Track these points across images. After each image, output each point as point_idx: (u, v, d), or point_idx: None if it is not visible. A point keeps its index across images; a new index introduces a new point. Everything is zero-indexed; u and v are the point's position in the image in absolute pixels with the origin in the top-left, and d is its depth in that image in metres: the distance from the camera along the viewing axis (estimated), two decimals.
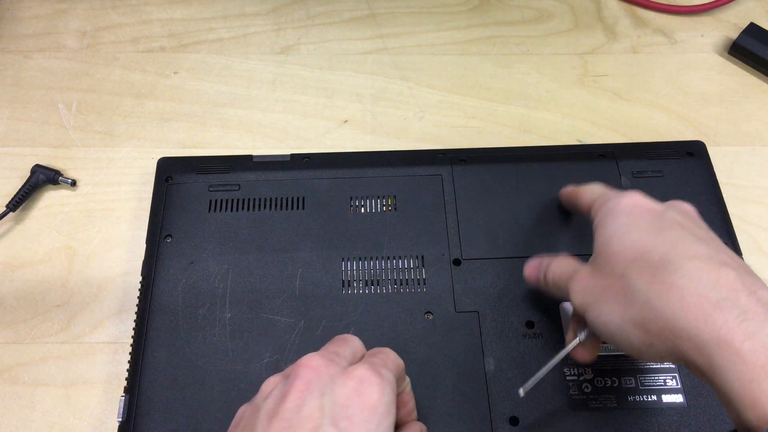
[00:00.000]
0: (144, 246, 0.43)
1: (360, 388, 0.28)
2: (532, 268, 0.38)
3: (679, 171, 0.45)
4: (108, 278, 0.45)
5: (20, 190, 0.47)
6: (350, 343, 0.32)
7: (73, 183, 0.48)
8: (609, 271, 0.32)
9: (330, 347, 0.31)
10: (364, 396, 0.28)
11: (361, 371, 0.29)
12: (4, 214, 0.46)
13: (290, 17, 0.57)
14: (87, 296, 0.44)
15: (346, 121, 0.51)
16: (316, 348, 0.38)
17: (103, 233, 0.46)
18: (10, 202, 0.46)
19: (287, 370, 0.30)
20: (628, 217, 0.33)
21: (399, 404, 0.33)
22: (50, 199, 0.48)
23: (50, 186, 0.48)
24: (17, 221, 0.47)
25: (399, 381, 0.32)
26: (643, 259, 0.30)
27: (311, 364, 0.29)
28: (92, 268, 0.45)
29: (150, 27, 0.56)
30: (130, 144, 0.50)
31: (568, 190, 0.41)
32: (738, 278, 0.28)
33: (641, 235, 0.31)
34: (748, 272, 0.29)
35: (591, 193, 0.37)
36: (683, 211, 0.33)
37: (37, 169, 0.47)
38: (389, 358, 0.31)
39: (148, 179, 0.48)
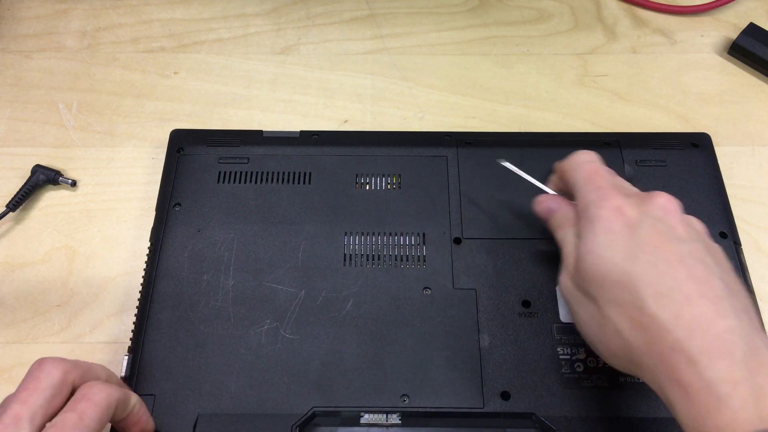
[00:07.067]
0: (145, 248, 0.43)
1: None
2: (544, 208, 0.39)
3: (683, 162, 0.46)
4: (108, 278, 0.45)
5: (20, 190, 0.47)
6: (42, 386, 0.29)
7: (74, 183, 0.48)
8: (585, 287, 0.32)
9: (12, 407, 0.28)
10: None
11: None
12: (4, 214, 0.46)
13: (290, 17, 0.57)
14: (87, 296, 0.44)
15: (346, 121, 0.51)
16: (315, 317, 0.40)
17: (104, 233, 0.46)
18: (10, 202, 0.46)
19: None
20: (604, 233, 0.31)
21: (130, 424, 0.33)
22: (50, 199, 0.48)
23: (50, 186, 0.48)
24: (17, 221, 0.47)
25: (114, 412, 0.31)
26: (613, 289, 0.30)
27: None
28: (92, 268, 0.45)
29: (150, 27, 0.56)
30: (130, 144, 0.50)
31: (557, 168, 0.39)
32: (713, 322, 0.27)
33: (613, 258, 0.30)
34: (733, 309, 0.28)
35: (574, 178, 0.36)
36: (662, 220, 0.31)
37: (37, 169, 0.47)
38: (91, 408, 0.29)
39: (149, 179, 0.48)
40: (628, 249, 0.30)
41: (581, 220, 0.34)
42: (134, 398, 0.34)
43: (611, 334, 0.30)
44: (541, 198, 0.39)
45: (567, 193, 0.38)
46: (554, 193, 0.39)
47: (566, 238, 0.35)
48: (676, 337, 0.27)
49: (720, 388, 0.26)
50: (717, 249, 0.32)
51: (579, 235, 0.33)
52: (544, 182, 0.41)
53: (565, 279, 0.34)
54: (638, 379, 0.38)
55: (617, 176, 0.36)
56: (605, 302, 0.30)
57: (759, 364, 0.26)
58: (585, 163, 0.36)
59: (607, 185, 0.34)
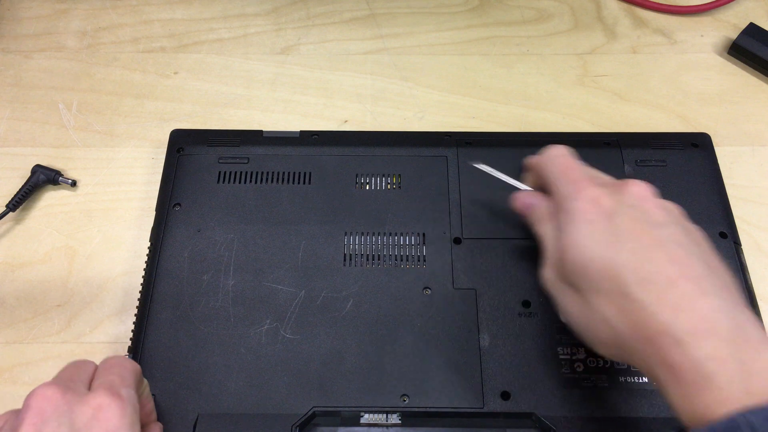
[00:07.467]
0: (145, 248, 0.43)
1: (99, 415, 0.28)
2: (522, 204, 0.39)
3: (683, 162, 0.46)
4: (108, 278, 0.45)
5: (20, 190, 0.47)
6: (85, 367, 0.32)
7: (74, 183, 0.48)
8: (569, 278, 0.33)
9: (65, 374, 0.31)
10: (104, 422, 0.28)
11: (101, 397, 0.29)
12: (4, 214, 0.46)
13: (290, 17, 0.57)
14: (87, 296, 0.44)
15: (346, 121, 0.51)
16: (315, 317, 0.40)
17: (104, 233, 0.46)
18: (10, 202, 0.46)
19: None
20: (584, 224, 0.32)
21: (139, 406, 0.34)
22: (50, 199, 0.48)
23: (50, 186, 0.48)
24: (17, 221, 0.47)
25: (137, 388, 0.32)
26: (597, 278, 0.31)
27: (45, 394, 0.28)
28: (92, 268, 0.45)
29: (150, 27, 0.57)
30: (130, 144, 0.50)
31: (530, 164, 0.40)
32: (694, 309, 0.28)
33: (595, 248, 0.31)
34: (711, 287, 0.29)
35: (548, 172, 0.37)
36: (638, 207, 0.32)
37: (37, 169, 0.47)
38: (126, 372, 0.32)
39: (149, 179, 0.48)
40: (609, 238, 0.31)
41: (559, 213, 0.34)
42: (146, 383, 0.35)
43: (598, 322, 0.31)
44: (517, 194, 0.39)
45: (542, 188, 0.38)
46: (530, 189, 0.40)
47: (546, 232, 0.35)
48: (661, 320, 0.28)
49: (707, 366, 0.26)
50: (695, 231, 0.33)
51: (559, 229, 0.34)
52: (519, 179, 0.41)
53: (547, 272, 0.35)
54: (638, 379, 0.38)
55: (590, 168, 0.37)
56: (590, 292, 0.31)
57: (744, 341, 0.27)
58: (557, 157, 0.36)
59: (581, 177, 0.34)
